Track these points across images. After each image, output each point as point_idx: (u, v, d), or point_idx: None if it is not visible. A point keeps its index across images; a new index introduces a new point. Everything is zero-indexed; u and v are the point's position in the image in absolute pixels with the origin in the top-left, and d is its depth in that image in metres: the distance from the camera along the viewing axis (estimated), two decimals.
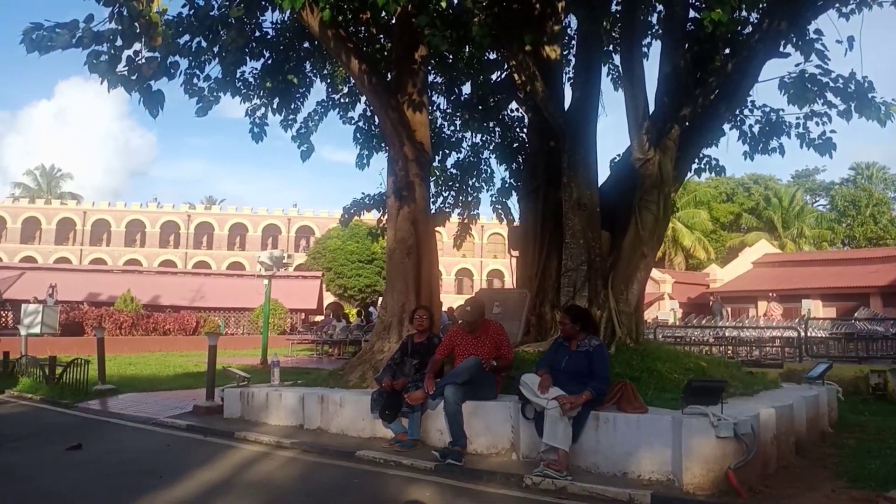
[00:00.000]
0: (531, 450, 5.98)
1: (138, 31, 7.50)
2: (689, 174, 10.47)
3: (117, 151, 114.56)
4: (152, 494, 4.96)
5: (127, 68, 7.99)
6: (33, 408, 9.57)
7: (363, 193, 12.60)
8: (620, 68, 9.75)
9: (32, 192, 69.68)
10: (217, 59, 10.10)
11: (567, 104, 9.78)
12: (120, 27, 7.57)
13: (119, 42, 7.73)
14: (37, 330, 18.77)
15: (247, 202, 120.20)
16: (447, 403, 6.22)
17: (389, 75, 9.88)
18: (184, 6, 9.13)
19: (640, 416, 5.66)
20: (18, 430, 7.78)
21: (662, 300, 35.95)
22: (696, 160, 10.29)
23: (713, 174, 11.06)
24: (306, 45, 11.08)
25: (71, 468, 5.86)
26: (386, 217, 12.00)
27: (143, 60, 8.08)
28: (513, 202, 12.50)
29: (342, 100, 13.00)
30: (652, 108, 8.72)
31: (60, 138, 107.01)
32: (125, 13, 7.43)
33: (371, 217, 14.78)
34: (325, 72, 12.49)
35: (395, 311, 8.99)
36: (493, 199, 12.97)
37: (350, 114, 12.99)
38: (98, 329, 11.94)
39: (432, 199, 11.10)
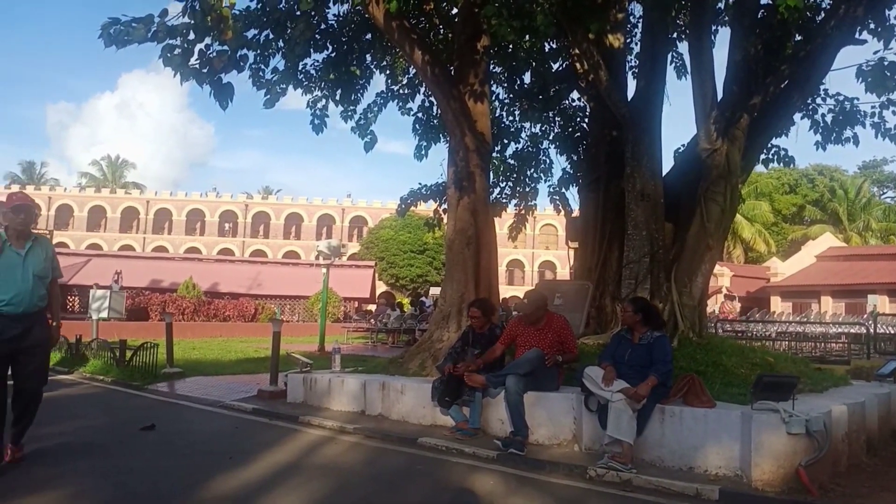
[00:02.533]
0: (594, 442, 5.96)
1: (210, 25, 7.70)
2: (756, 164, 10.20)
3: (177, 142, 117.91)
4: (225, 474, 5.13)
5: (199, 61, 8.22)
6: (106, 389, 9.98)
7: (420, 184, 12.69)
8: (687, 56, 9.54)
9: (98, 181, 72.28)
10: (281, 52, 10.31)
11: (630, 93, 9.64)
12: (192, 21, 7.80)
13: (192, 36, 7.96)
14: (105, 314, 19.50)
15: (302, 192, 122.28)
16: (508, 394, 6.24)
17: (451, 66, 9.90)
18: (252, 0, 9.32)
19: (707, 410, 5.57)
20: (94, 411, 8.13)
21: (720, 294, 35.13)
22: (765, 150, 10.02)
23: (782, 165, 10.73)
24: (368, 36, 11.19)
25: (146, 447, 6.10)
26: (444, 207, 12.07)
27: (214, 54, 8.30)
28: (571, 193, 12.41)
29: (401, 91, 13.10)
30: (720, 96, 8.53)
31: (123, 129, 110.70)
32: (197, 7, 7.63)
33: (425, 207, 14.86)
34: (385, 63, 12.59)
35: (454, 301, 9.04)
36: (552, 189, 12.89)
37: (409, 105, 13.09)
38: (166, 314, 12.39)
39: (490, 190, 11.09)
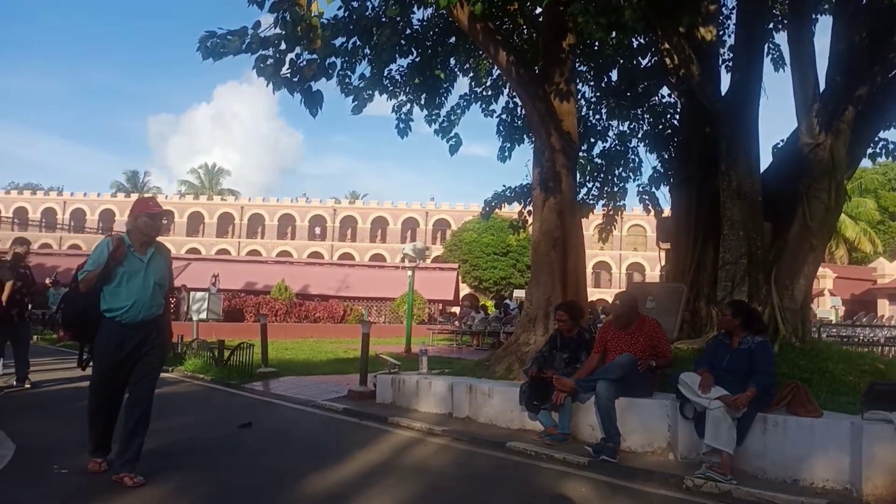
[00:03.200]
0: (690, 450, 5.76)
1: (299, 34, 7.93)
2: (862, 159, 9.61)
3: (268, 150, 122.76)
4: (319, 473, 5.25)
5: (289, 70, 8.49)
6: (205, 387, 10.43)
7: (504, 186, 12.64)
8: (786, 47, 9.10)
9: (196, 188, 75.92)
10: (367, 58, 10.51)
11: (724, 87, 9.27)
12: (283, 32, 8.05)
13: (283, 46, 8.22)
14: (203, 316, 20.40)
15: (387, 196, 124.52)
16: (599, 399, 6.11)
17: (536, 66, 9.81)
18: (339, 8, 9.54)
19: (814, 420, 5.27)
20: (195, 408, 8.50)
21: (822, 296, 33.29)
22: (871, 144, 9.43)
23: (890, 159, 10.06)
24: (452, 40, 11.25)
25: (244, 444, 6.32)
26: (529, 209, 11.98)
27: (304, 62, 8.55)
28: (662, 192, 12.06)
29: (484, 93, 13.09)
30: (822, 88, 8.08)
31: (218, 138, 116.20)
32: (288, 18, 7.87)
33: (509, 209, 14.79)
34: (469, 66, 12.62)
35: (541, 304, 8.94)
36: (641, 189, 12.57)
37: (492, 107, 13.07)
38: (261, 316, 12.84)
39: (577, 190, 10.91)
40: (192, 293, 24.67)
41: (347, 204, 72.66)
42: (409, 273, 17.55)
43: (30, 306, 10.06)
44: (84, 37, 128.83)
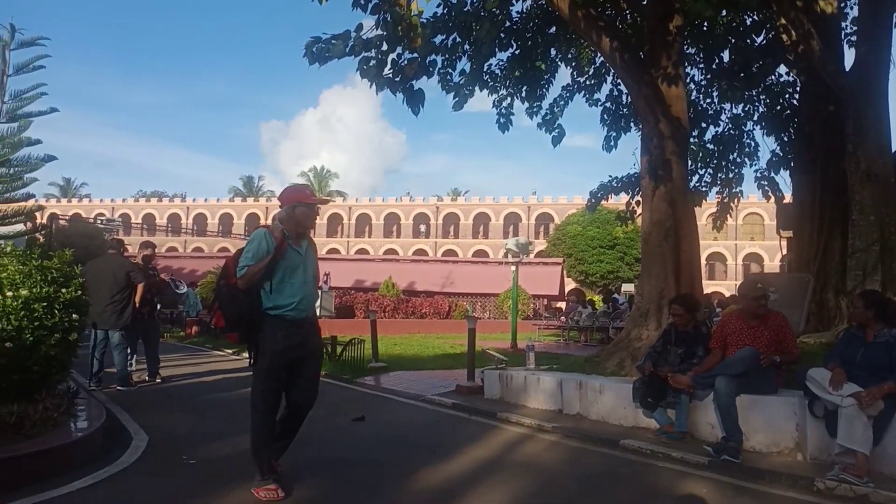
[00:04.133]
0: (820, 451, 5.39)
1: (400, 34, 8.04)
2: None
3: (373, 151, 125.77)
4: (431, 467, 5.29)
5: (391, 70, 8.64)
6: (324, 383, 10.77)
7: (610, 176, 12.33)
8: None
9: None
10: (466, 54, 10.52)
11: (848, 63, 8.62)
12: (385, 32, 8.20)
13: (384, 47, 8.38)
14: (317, 313, 21.13)
15: (488, 192, 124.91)
16: (719, 396, 5.81)
17: (642, 50, 9.48)
18: (438, 6, 9.60)
19: None
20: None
21: None
22: None
23: None
24: (552, 30, 11.07)
25: (358, 438, 6.47)
26: (637, 199, 11.62)
27: (406, 62, 8.68)
28: (782, 177, 11.37)
29: (587, 82, 12.83)
30: None
31: (325, 142, 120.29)
32: (389, 19, 8.00)
33: (615, 200, 14.40)
34: (570, 55, 12.39)
35: (653, 298, 8.64)
36: (758, 174, 11.91)
37: (595, 95, 12.79)
38: (370, 312, 13.18)
39: (688, 178, 10.47)
40: None
41: (450, 201, 73.31)
42: (513, 268, 17.43)
43: (158, 306, 10.77)
44: (197, 52, 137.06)
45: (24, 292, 6.26)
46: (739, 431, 5.72)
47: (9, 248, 7.04)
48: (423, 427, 7.14)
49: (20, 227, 13.80)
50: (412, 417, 7.69)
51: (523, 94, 11.28)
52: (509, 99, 11.75)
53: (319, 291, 24.30)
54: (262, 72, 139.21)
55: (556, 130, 11.17)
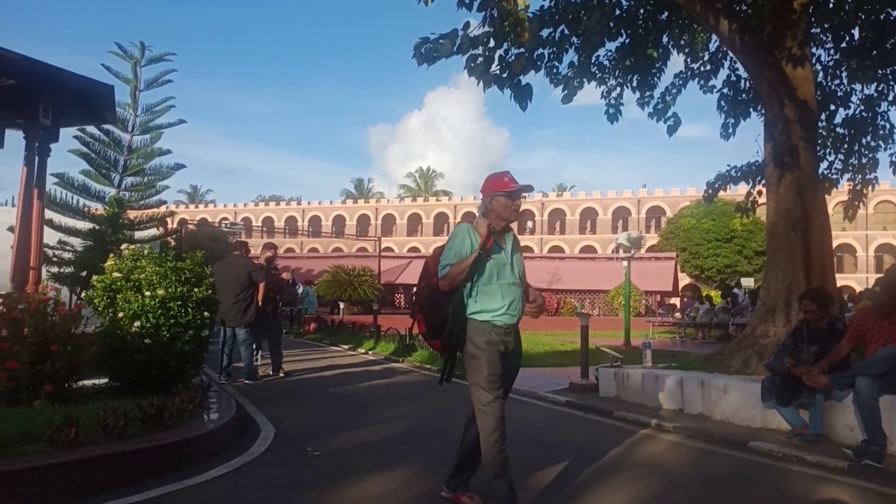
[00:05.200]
0: None
1: (507, 30, 7.98)
2: None
3: (476, 150, 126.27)
4: (548, 466, 5.21)
5: (498, 67, 8.60)
6: (433, 378, 10.88)
7: (729, 165, 11.73)
8: None
9: (413, 191, 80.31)
10: (574, 46, 10.32)
11: None
12: (491, 29, 8.17)
13: (491, 44, 8.36)
14: None
15: (595, 186, 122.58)
16: (859, 396, 5.39)
17: (763, 31, 8.97)
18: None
19: None
20: (426, 397, 8.92)
21: None
22: None
23: None
24: (664, 16, 10.68)
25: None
26: (760, 188, 11.02)
27: (513, 57, 8.62)
28: None
29: (702, 68, 12.28)
30: None
31: (430, 143, 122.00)
32: (495, 15, 7.96)
33: (731, 191, 13.70)
34: (683, 41, 11.91)
35: (780, 292, 8.15)
36: (894, 158, 10.98)
37: (711, 82, 12.23)
38: None
39: (817, 164, 9.80)
40: (416, 289, 26.06)
41: (555, 196, 72.42)
42: (625, 264, 16.96)
43: (280, 304, 11.28)
44: (310, 61, 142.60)
45: (160, 292, 6.72)
46: (883, 434, 5.29)
47: (146, 252, 7.58)
48: (537, 425, 7.06)
49: (154, 231, 14.86)
50: (525, 415, 7.62)
51: (634, 84, 10.94)
52: (619, 89, 11.44)
53: None
54: (370, 77, 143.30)
55: (671, 119, 10.75)
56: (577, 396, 8.35)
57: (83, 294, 7.91)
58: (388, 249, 58.12)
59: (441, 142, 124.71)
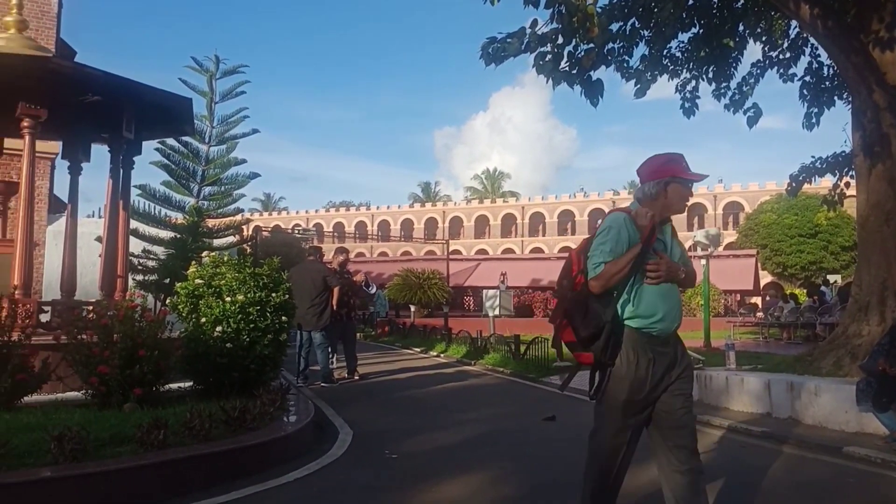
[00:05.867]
0: None
1: (576, 25, 7.84)
2: None
3: (543, 149, 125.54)
4: (632, 470, 5.05)
5: (568, 63, 8.46)
6: (506, 380, 10.84)
7: (813, 157, 11.17)
8: None
9: (480, 193, 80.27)
10: (644, 39, 10.05)
11: None
12: (560, 26, 8.03)
13: (560, 40, 8.22)
14: (497, 312, 21.38)
15: None
16: None
17: (848, 14, 8.51)
18: None
19: None
20: (499, 400, 8.87)
21: None
22: None
23: None
24: (738, 4, 10.28)
25: (551, 438, 6.39)
26: (847, 180, 10.48)
27: (582, 53, 8.46)
28: None
29: (781, 56, 11.76)
30: None
31: (496, 144, 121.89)
32: (563, 11, 7.83)
33: (814, 185, 13.08)
34: (760, 29, 11.43)
35: (874, 289, 7.70)
36: None
37: (791, 70, 11.69)
38: (551, 311, 13.03)
39: None
40: (485, 291, 26.04)
41: (627, 194, 70.98)
42: (703, 262, 16.41)
43: (354, 307, 11.43)
44: (374, 68, 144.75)
45: (240, 297, 6.90)
46: None
47: (226, 258, 7.80)
48: None
49: (231, 238, 15.33)
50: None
51: (710, 75, 10.56)
52: (693, 81, 11.08)
53: (497, 290, 24.56)
54: (435, 80, 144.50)
55: (752, 110, 10.32)
56: None
57: (168, 301, 8.20)
58: (456, 252, 58.14)
59: (507, 142, 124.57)
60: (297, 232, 51.64)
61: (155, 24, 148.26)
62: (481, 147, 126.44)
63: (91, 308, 7.31)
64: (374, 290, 19.26)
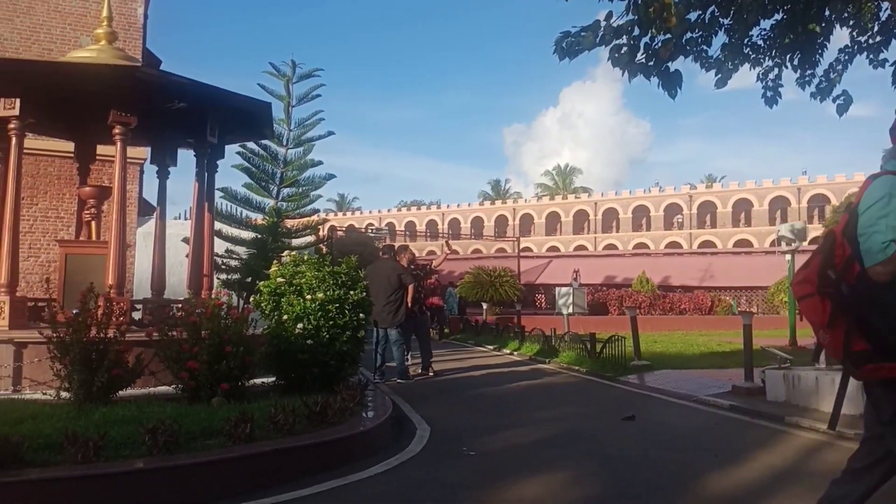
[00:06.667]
0: None
1: (652, 16, 7.65)
2: None
3: (615, 143, 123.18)
4: (716, 473, 4.92)
5: (644, 55, 8.25)
6: (582, 379, 10.70)
7: None
8: None
9: (551, 190, 79.51)
10: (724, 28, 9.70)
11: None
12: (636, 17, 7.85)
13: (636, 32, 8.04)
14: (570, 310, 21.15)
15: (748, 176, 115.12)
16: None
17: None
18: None
19: None
20: (576, 398, 8.75)
21: None
22: None
23: None
24: None
25: (630, 437, 6.26)
26: None
27: (659, 44, 8.24)
28: None
29: (870, 41, 11.14)
30: None
31: (566, 139, 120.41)
32: (639, 2, 7.65)
33: None
34: (847, 13, 10.86)
35: None
36: None
37: (882, 55, 11.06)
38: (629, 309, 12.79)
39: None
40: (558, 289, 25.79)
41: (704, 188, 68.88)
42: (788, 257, 15.72)
43: (424, 302, 11.53)
44: (442, 67, 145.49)
45: (320, 295, 7.06)
46: None
47: (306, 257, 8.00)
48: (699, 429, 6.70)
49: (309, 238, 15.71)
50: (685, 419, 7.27)
51: (795, 63, 10.10)
52: (776, 70, 10.62)
53: (570, 288, 24.25)
54: (503, 78, 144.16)
55: (842, 98, 9.81)
56: (741, 400, 7.84)
57: (251, 299, 8.48)
58: (527, 249, 57.79)
59: (578, 138, 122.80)
60: (370, 231, 52.44)
61: (227, 31, 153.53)
62: (551, 143, 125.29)
63: (179, 306, 7.64)
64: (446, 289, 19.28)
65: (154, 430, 4.39)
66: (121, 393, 6.07)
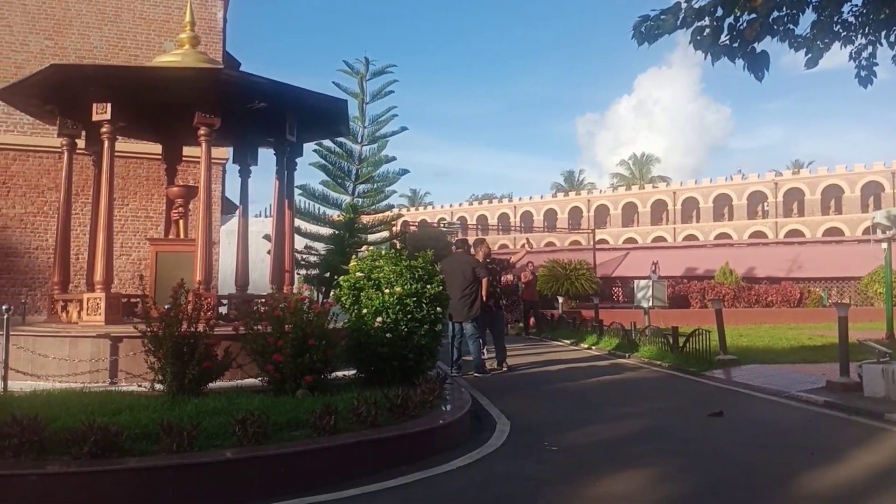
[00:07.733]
0: None
1: None
2: None
3: (694, 130, 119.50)
4: (812, 471, 4.69)
5: (728, 37, 7.94)
6: (664, 374, 10.41)
7: None
8: None
9: (627, 179, 77.81)
10: (812, 5, 9.22)
11: None
12: None
13: (719, 13, 7.73)
14: (650, 303, 20.61)
15: (838, 161, 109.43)
16: None
17: None
18: None
19: None
20: (660, 394, 8.53)
21: None
22: None
23: None
24: None
25: (719, 434, 6.04)
26: None
27: (744, 24, 7.90)
28: None
29: None
30: None
31: (641, 127, 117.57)
32: None
33: None
34: None
35: None
36: None
37: None
38: (714, 301, 12.39)
39: None
40: (635, 282, 25.18)
41: (790, 175, 65.90)
42: (884, 246, 14.85)
43: (503, 300, 11.47)
44: (512, 59, 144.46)
45: (398, 289, 7.13)
46: None
47: (384, 252, 8.09)
48: (792, 426, 6.40)
49: (385, 233, 15.90)
50: (776, 415, 6.96)
51: (892, 39, 9.50)
52: (870, 48, 10.02)
53: (649, 280, 23.65)
54: (575, 67, 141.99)
55: None
56: (837, 396, 7.45)
57: (332, 293, 8.65)
58: (603, 241, 56.73)
59: (654, 125, 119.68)
60: (442, 226, 52.70)
61: (301, 29, 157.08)
62: (626, 132, 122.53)
63: (263, 301, 7.86)
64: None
65: (244, 420, 4.52)
66: (210, 385, 6.28)
